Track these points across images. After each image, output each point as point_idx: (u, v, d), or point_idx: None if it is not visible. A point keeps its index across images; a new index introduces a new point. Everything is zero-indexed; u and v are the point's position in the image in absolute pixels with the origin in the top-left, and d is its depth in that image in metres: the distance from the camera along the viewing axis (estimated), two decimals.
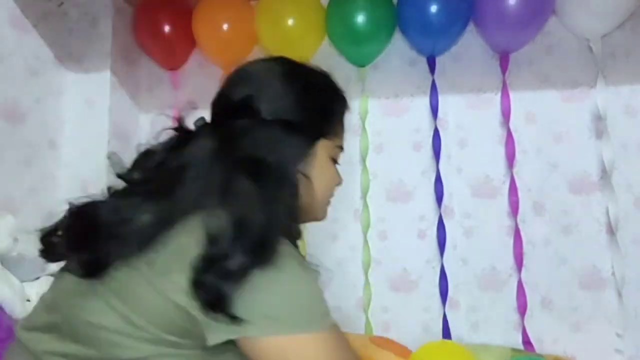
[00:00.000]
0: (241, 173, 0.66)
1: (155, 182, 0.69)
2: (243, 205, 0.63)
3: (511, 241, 1.58)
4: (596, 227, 1.53)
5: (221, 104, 0.78)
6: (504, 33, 1.54)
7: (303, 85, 0.76)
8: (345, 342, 0.67)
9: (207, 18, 1.73)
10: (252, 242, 0.60)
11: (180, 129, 0.76)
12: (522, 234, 1.55)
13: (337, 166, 0.84)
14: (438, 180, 1.63)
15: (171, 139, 0.75)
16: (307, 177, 0.73)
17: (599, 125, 1.53)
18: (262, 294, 0.60)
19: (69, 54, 1.75)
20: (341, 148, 0.82)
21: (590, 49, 1.54)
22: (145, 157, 0.74)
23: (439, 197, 1.62)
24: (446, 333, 1.58)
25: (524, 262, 1.55)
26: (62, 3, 1.73)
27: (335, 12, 1.63)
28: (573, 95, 1.58)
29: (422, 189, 1.67)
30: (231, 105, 0.75)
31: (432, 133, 1.64)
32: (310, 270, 0.66)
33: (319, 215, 0.84)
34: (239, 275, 0.59)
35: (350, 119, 1.73)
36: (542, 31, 1.56)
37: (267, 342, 0.60)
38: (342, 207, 1.74)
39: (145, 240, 0.62)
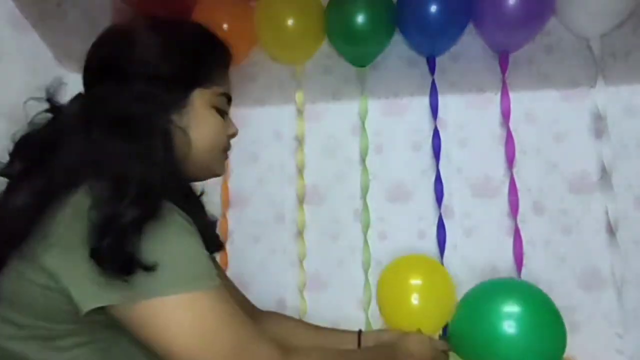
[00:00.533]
0: (111, 134, 0.65)
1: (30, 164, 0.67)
2: (118, 165, 0.62)
3: (511, 241, 1.58)
4: (596, 227, 1.53)
5: (86, 71, 0.77)
6: (503, 33, 1.54)
7: (167, 37, 0.74)
8: (232, 304, 0.64)
9: (206, 18, 1.71)
10: (136, 196, 0.59)
11: (53, 108, 0.75)
12: (522, 233, 1.55)
13: (231, 116, 0.82)
14: (438, 180, 1.63)
15: (46, 120, 0.73)
16: (181, 128, 0.71)
17: (599, 125, 1.53)
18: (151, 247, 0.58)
19: (69, 54, 1.74)
20: (226, 96, 0.79)
21: (590, 48, 1.54)
22: (21, 145, 0.72)
23: (439, 197, 1.62)
24: (446, 333, 1.57)
25: (524, 262, 1.55)
26: (61, 3, 1.73)
27: (335, 12, 1.63)
28: (573, 95, 1.58)
29: (421, 189, 1.67)
30: (94, 68, 0.75)
31: (431, 133, 1.64)
32: (193, 226, 0.64)
33: (213, 170, 0.81)
34: (135, 229, 0.58)
35: (350, 119, 1.74)
36: (542, 31, 1.56)
37: (147, 305, 0.58)
38: (342, 207, 1.74)
39: (22, 227, 0.60)
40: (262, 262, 1.78)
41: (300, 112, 1.77)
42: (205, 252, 0.65)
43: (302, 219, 1.74)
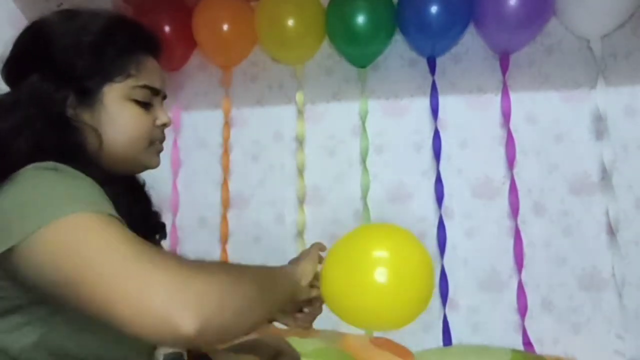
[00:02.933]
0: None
1: None
2: None
3: (511, 242, 1.57)
4: (596, 227, 1.53)
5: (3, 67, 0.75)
6: (504, 34, 1.54)
7: (68, 31, 0.71)
8: (119, 228, 0.58)
9: (207, 19, 1.73)
10: None
11: None
12: (523, 234, 1.55)
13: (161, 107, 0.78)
14: (438, 181, 1.63)
15: None
16: (87, 124, 0.70)
17: (599, 125, 1.53)
18: None
19: None
20: (147, 87, 0.75)
21: (591, 49, 1.54)
22: None
23: (439, 198, 1.62)
24: (446, 334, 1.57)
25: (524, 263, 1.55)
26: (61, 4, 1.73)
27: (335, 12, 1.63)
28: (573, 96, 1.58)
29: (422, 190, 1.67)
30: (5, 66, 0.73)
31: (432, 134, 1.64)
32: (71, 173, 0.61)
33: (143, 162, 0.77)
34: None
35: (350, 119, 1.74)
36: (542, 32, 1.56)
37: (25, 245, 0.55)
38: (342, 207, 1.74)
39: None
40: (263, 263, 1.78)
41: (300, 112, 1.77)
42: (91, 188, 0.61)
43: (302, 219, 1.74)
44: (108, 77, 0.71)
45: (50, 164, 0.62)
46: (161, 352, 0.75)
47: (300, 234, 1.73)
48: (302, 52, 1.74)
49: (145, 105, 0.75)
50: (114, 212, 0.60)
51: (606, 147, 1.49)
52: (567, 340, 1.52)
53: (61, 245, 0.54)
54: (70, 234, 0.55)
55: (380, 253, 0.73)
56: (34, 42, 0.71)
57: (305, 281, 0.80)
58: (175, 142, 1.87)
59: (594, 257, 1.52)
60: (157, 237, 0.85)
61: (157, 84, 0.77)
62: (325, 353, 1.39)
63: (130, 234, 0.58)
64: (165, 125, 0.79)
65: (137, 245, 0.56)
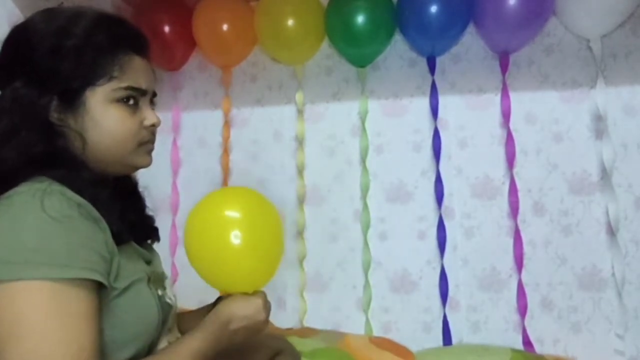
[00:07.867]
0: None
1: None
2: None
3: (511, 242, 1.57)
4: (596, 227, 1.53)
5: None
6: (503, 33, 1.54)
7: (51, 36, 0.69)
8: (75, 305, 0.59)
9: (206, 19, 1.73)
10: None
11: None
12: (522, 234, 1.55)
13: (150, 107, 0.77)
14: (438, 181, 1.63)
15: None
16: (73, 129, 0.69)
17: (599, 125, 1.53)
18: None
19: None
20: (131, 88, 0.73)
21: (590, 49, 1.54)
22: None
23: (439, 198, 1.62)
24: (446, 334, 1.57)
25: (524, 262, 1.55)
26: (61, 3, 1.73)
27: (335, 12, 1.63)
28: (573, 96, 1.58)
29: (422, 190, 1.67)
30: None
31: (432, 133, 1.64)
32: (59, 214, 0.60)
33: (133, 163, 0.76)
34: None
35: (350, 119, 1.74)
36: (542, 31, 1.56)
37: None
38: (342, 207, 1.74)
39: None
40: None
41: (300, 112, 1.77)
42: (71, 241, 0.60)
43: (302, 219, 1.74)
44: (90, 80, 0.70)
45: (41, 189, 0.62)
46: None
47: (300, 233, 1.73)
48: (302, 52, 1.74)
49: (131, 107, 0.73)
50: (86, 269, 0.60)
51: (606, 146, 1.49)
52: (567, 340, 1.52)
53: (9, 308, 0.56)
54: (21, 301, 0.56)
55: (234, 215, 0.80)
56: (17, 46, 0.70)
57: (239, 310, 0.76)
58: (175, 142, 1.87)
59: (593, 256, 1.52)
60: (150, 241, 0.85)
61: (142, 84, 0.74)
62: (325, 353, 1.39)
63: (80, 315, 0.58)
64: (153, 125, 0.77)
65: (73, 340, 0.57)
